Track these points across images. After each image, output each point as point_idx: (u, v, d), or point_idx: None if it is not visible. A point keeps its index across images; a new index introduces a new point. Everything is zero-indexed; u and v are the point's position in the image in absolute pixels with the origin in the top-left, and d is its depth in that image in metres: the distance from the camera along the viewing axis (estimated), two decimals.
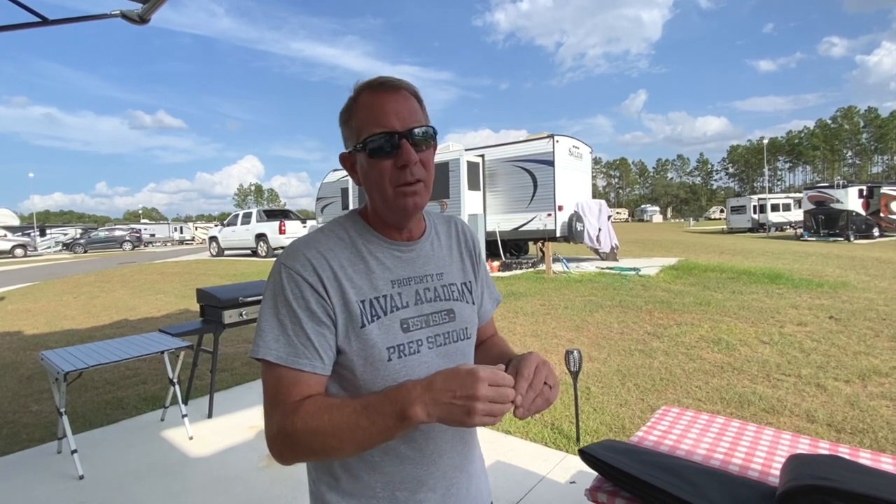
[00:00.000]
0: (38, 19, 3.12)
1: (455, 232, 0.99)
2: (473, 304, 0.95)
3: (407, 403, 0.67)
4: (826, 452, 1.57)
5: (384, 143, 0.79)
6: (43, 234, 34.52)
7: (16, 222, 37.43)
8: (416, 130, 0.80)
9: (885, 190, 21.59)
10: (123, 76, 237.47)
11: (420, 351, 0.83)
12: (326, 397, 0.78)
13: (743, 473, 1.46)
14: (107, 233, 35.26)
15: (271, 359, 0.76)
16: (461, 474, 0.90)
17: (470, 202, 12.65)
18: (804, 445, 1.65)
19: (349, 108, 0.84)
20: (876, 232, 20.61)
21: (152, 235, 40.93)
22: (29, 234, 32.77)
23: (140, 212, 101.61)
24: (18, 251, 28.90)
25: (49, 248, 33.58)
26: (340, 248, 0.82)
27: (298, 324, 0.76)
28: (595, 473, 1.46)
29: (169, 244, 40.82)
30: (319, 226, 0.89)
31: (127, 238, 33.79)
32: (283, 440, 0.73)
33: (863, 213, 20.69)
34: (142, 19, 3.37)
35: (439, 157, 12.77)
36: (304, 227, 17.43)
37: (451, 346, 0.88)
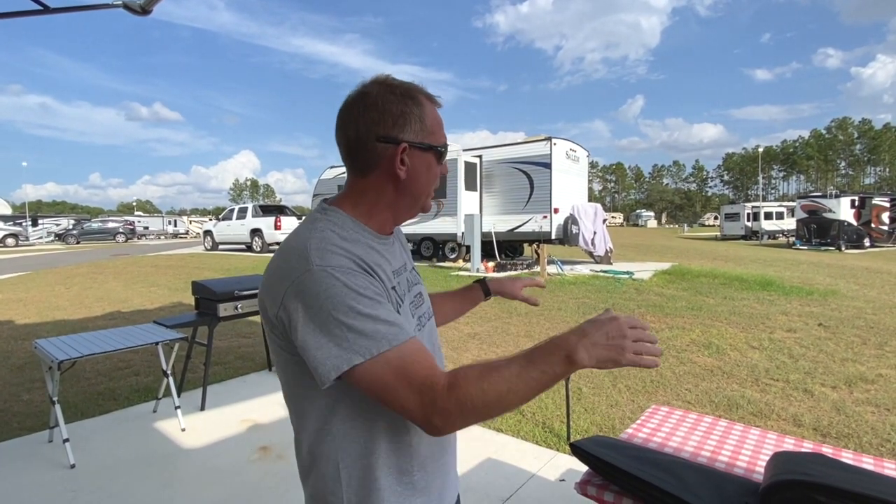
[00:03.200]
0: (40, 7, 3.11)
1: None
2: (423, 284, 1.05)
3: (572, 349, 0.72)
4: (809, 450, 1.61)
5: (445, 155, 0.90)
6: (35, 223, 34.17)
7: (8, 211, 37.05)
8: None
9: (876, 201, 21.88)
10: (121, 67, 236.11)
11: (420, 332, 0.90)
12: (471, 365, 0.76)
13: (729, 470, 1.49)
14: (100, 224, 35.03)
15: (386, 348, 0.71)
16: (455, 456, 0.99)
17: (466, 202, 12.68)
18: (789, 444, 1.68)
19: (416, 101, 0.85)
20: (867, 242, 20.85)
21: (146, 228, 40.72)
22: (21, 224, 32.46)
23: (134, 204, 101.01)
24: (10, 240, 28.64)
25: (41, 238, 33.28)
26: (349, 246, 0.81)
27: (383, 306, 0.74)
28: (585, 468, 1.49)
29: (163, 237, 40.59)
30: (308, 227, 0.83)
31: (120, 230, 33.59)
32: (452, 416, 0.71)
33: (854, 223, 20.93)
34: (143, 10, 3.36)
35: None
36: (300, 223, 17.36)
37: (430, 324, 0.97)
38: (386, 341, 0.72)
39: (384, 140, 0.82)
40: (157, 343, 3.08)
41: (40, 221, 35.04)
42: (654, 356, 0.74)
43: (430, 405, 0.71)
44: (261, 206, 19.09)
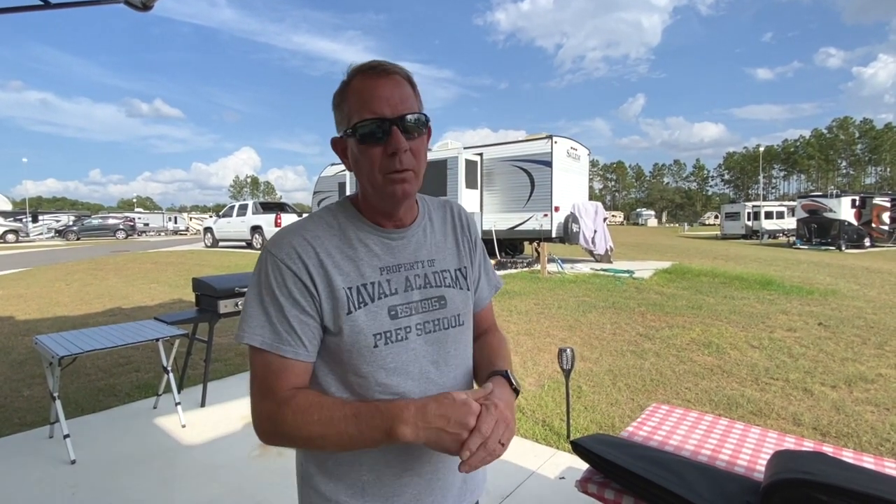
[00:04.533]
0: (41, 2, 3.10)
1: (451, 217, 0.97)
2: (468, 290, 0.94)
3: (398, 422, 0.70)
4: (810, 449, 1.61)
5: (374, 130, 0.77)
6: (35, 220, 34.18)
7: (8, 207, 37.00)
8: (408, 117, 0.78)
9: (877, 201, 21.86)
10: (122, 63, 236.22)
11: (408, 338, 0.83)
12: (318, 394, 0.79)
13: (730, 469, 1.49)
14: (100, 221, 35.02)
15: (256, 344, 0.78)
16: (448, 460, 0.89)
17: (467, 200, 12.66)
18: (790, 443, 1.69)
19: (342, 91, 0.82)
20: (867, 242, 20.84)
21: (146, 225, 40.68)
22: (21, 220, 32.46)
23: (134, 200, 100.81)
24: (10, 236, 28.64)
25: (41, 234, 33.28)
26: (328, 235, 0.82)
27: (281, 312, 0.78)
28: (585, 465, 1.49)
29: (163, 234, 40.58)
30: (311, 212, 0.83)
31: (120, 226, 33.58)
32: (272, 427, 0.77)
33: (855, 222, 20.91)
34: (144, 6, 3.36)
35: (437, 155, 12.78)
36: None
37: (441, 333, 0.87)
38: (259, 339, 0.78)
39: (334, 140, 0.87)
40: (157, 339, 3.08)
41: (40, 218, 35.05)
42: (487, 456, 0.70)
43: (260, 409, 0.78)
44: (261, 203, 19.07)
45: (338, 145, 0.86)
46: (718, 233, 34.40)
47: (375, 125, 0.77)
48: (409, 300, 0.84)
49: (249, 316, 0.79)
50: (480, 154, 13.06)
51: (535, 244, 12.47)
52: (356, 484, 0.83)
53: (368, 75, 0.79)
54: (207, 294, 3.64)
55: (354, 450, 0.76)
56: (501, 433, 0.72)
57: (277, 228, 18.16)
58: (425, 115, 0.82)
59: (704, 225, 64.36)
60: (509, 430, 0.74)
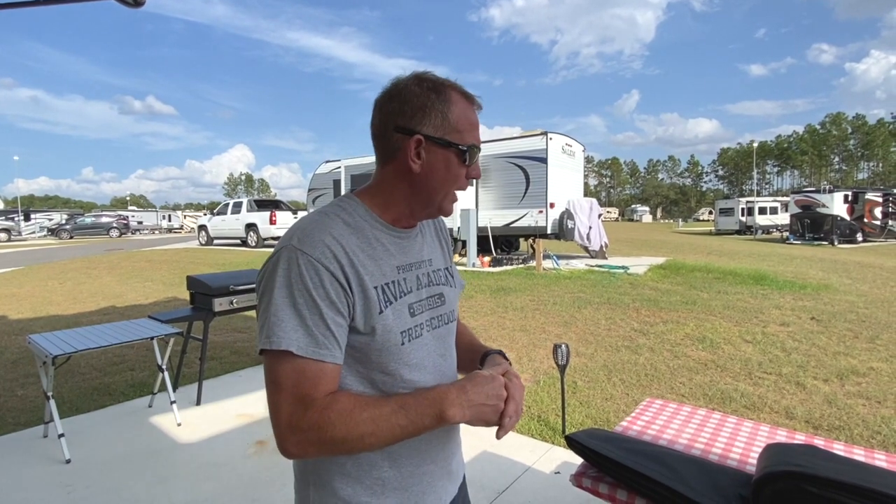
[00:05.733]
0: None
1: (432, 220, 1.02)
2: (454, 287, 0.99)
3: (446, 405, 0.74)
4: (801, 442, 1.63)
5: (474, 156, 0.85)
6: (27, 218, 33.86)
7: None
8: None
9: (869, 196, 22.03)
10: (114, 60, 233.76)
11: (423, 334, 0.86)
12: (352, 395, 0.78)
13: (722, 462, 1.51)
14: (93, 219, 34.74)
15: (294, 349, 0.73)
16: (456, 445, 0.96)
17: (462, 197, 12.63)
18: (781, 437, 1.70)
19: (444, 97, 0.81)
20: (859, 237, 21.00)
21: (140, 223, 40.39)
22: (13, 219, 32.18)
23: (127, 198, 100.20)
24: (2, 235, 28.40)
25: (33, 233, 33.00)
26: (349, 234, 0.81)
27: (319, 314, 0.74)
28: (580, 460, 1.50)
29: (157, 232, 40.34)
30: (318, 211, 0.83)
31: (114, 225, 33.32)
32: (318, 436, 0.73)
33: (847, 217, 21.07)
34: (136, 2, 3.32)
35: None
36: (295, 217, 17.33)
37: (443, 329, 0.92)
38: (295, 344, 0.73)
39: (401, 130, 0.82)
40: (152, 338, 3.07)
41: (32, 216, 34.74)
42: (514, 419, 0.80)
43: (298, 419, 0.73)
44: (256, 201, 18.99)
45: (422, 143, 0.82)
46: (712, 228, 34.56)
47: (477, 154, 0.85)
48: (421, 297, 0.88)
49: (280, 319, 0.74)
50: None
51: (530, 240, 12.49)
52: (377, 482, 0.83)
53: (471, 102, 0.86)
54: (202, 292, 3.63)
55: (403, 440, 0.77)
56: (521, 399, 0.82)
57: (272, 226, 17.97)
58: None
59: (699, 221, 64.65)
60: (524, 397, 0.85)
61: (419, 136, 0.81)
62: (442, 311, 0.92)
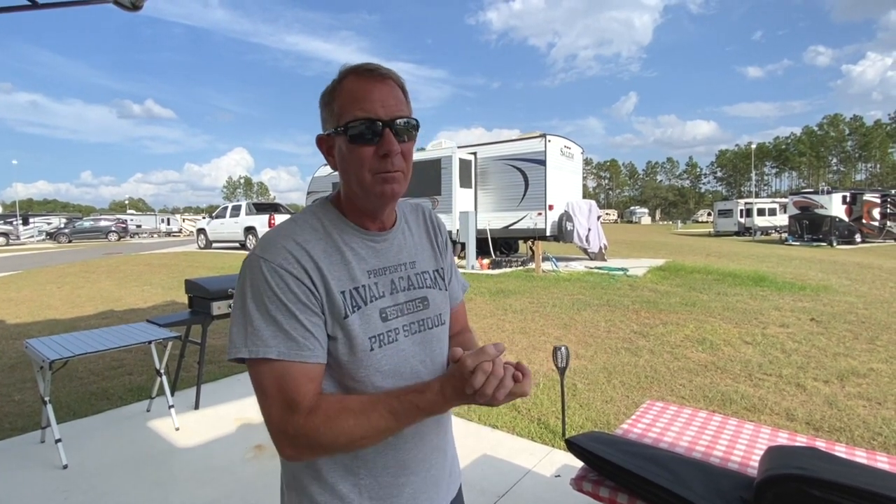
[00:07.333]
0: (28, 2, 3.07)
1: (424, 220, 0.99)
2: (446, 290, 0.97)
3: (431, 404, 0.74)
4: (803, 444, 1.62)
5: (366, 130, 0.78)
6: (26, 222, 33.79)
7: None
8: (400, 121, 0.80)
9: (867, 197, 22.05)
10: (112, 64, 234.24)
11: (398, 339, 0.84)
12: (339, 396, 0.78)
13: (723, 465, 1.50)
14: (92, 223, 34.69)
15: (273, 356, 0.73)
16: (440, 455, 0.92)
17: (461, 199, 12.66)
18: (783, 439, 1.69)
19: (332, 90, 0.82)
20: (858, 238, 21.02)
21: (139, 226, 40.39)
22: (11, 223, 32.11)
23: (126, 202, 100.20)
24: (0, 240, 28.33)
25: (32, 237, 32.93)
26: (316, 239, 0.81)
27: (293, 317, 0.75)
28: (581, 464, 1.49)
29: (156, 236, 40.30)
30: (291, 216, 0.86)
31: (113, 228, 33.29)
32: (308, 441, 0.73)
33: (846, 219, 21.09)
34: (134, 6, 3.33)
35: (431, 154, 12.77)
36: None
37: (427, 333, 0.89)
38: (275, 350, 0.74)
39: (320, 138, 0.86)
40: (150, 342, 3.05)
41: (31, 220, 34.67)
42: (506, 388, 0.71)
43: (286, 424, 0.73)
44: (255, 204, 18.98)
45: (323, 143, 0.86)
46: (711, 230, 34.60)
47: (367, 126, 0.78)
48: (396, 302, 0.86)
49: (256, 329, 0.74)
50: (474, 153, 13.06)
51: (529, 243, 12.50)
52: (353, 490, 0.83)
53: (363, 76, 0.80)
54: (200, 296, 3.61)
55: (386, 438, 0.77)
56: (494, 367, 0.72)
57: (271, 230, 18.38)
58: (416, 121, 0.84)
59: (698, 222, 64.72)
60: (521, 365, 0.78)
61: (318, 136, 0.85)
62: (424, 315, 0.89)
